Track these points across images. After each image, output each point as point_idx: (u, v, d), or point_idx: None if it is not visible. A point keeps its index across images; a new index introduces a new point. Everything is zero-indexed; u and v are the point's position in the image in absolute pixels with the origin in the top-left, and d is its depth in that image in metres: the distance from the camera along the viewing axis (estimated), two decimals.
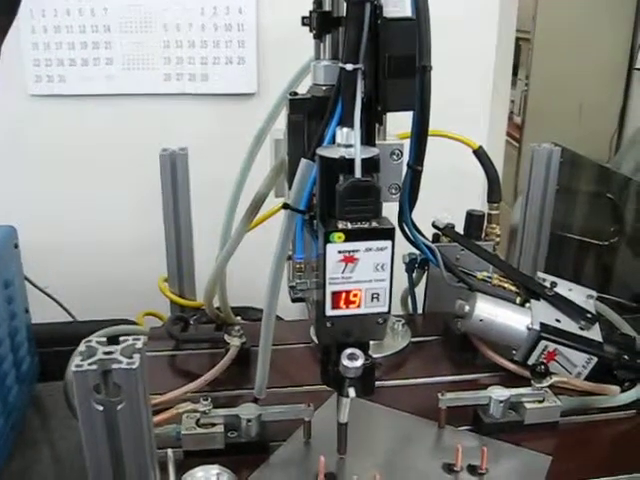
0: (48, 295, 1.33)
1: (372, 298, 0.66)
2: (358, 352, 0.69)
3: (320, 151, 0.66)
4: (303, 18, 0.74)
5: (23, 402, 1.04)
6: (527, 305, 0.96)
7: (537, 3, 2.98)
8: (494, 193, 1.09)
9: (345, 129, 0.65)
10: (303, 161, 0.68)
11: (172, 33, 1.37)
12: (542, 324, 0.92)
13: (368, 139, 0.70)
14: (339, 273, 0.64)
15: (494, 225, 1.10)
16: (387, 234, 0.64)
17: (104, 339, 0.52)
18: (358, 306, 0.66)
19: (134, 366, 0.49)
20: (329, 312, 0.66)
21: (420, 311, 1.16)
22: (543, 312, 0.95)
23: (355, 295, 0.66)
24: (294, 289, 0.79)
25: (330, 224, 0.64)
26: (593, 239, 1.63)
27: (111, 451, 0.52)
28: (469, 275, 0.99)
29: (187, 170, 1.05)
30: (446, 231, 1.04)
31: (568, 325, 0.94)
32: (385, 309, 0.67)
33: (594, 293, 1.00)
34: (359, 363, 0.69)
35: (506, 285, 0.99)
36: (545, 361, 0.92)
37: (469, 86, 1.45)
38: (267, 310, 0.77)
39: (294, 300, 0.82)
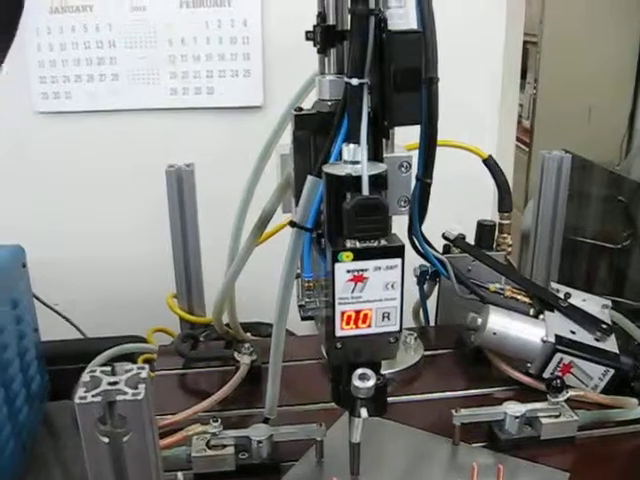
0: (58, 313, 1.33)
1: (383, 317, 0.65)
2: (369, 372, 0.68)
3: (326, 168, 0.65)
4: (307, 32, 0.73)
5: (34, 421, 1.04)
6: (541, 317, 0.95)
7: (544, 7, 2.97)
8: (505, 203, 1.08)
9: (352, 145, 0.64)
10: (309, 178, 0.67)
11: (177, 47, 1.37)
12: (557, 336, 0.91)
13: (375, 154, 0.69)
14: (348, 293, 0.63)
15: (505, 235, 1.09)
16: (396, 252, 0.63)
17: (108, 368, 0.51)
18: (369, 326, 0.65)
19: (139, 397, 0.48)
20: (339, 332, 0.65)
21: (432, 323, 1.15)
22: (558, 324, 0.93)
23: (365, 315, 0.65)
24: (303, 308, 0.79)
25: (338, 243, 0.62)
26: (606, 242, 1.62)
27: None
28: (481, 287, 0.98)
29: (194, 186, 1.05)
30: (457, 242, 1.03)
31: (583, 337, 0.93)
32: (396, 328, 0.66)
33: (609, 303, 0.98)
34: (371, 383, 0.68)
35: (519, 297, 0.97)
36: (561, 374, 0.90)
37: (477, 93, 1.44)
38: (276, 331, 0.76)
39: (303, 319, 0.81)
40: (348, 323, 0.65)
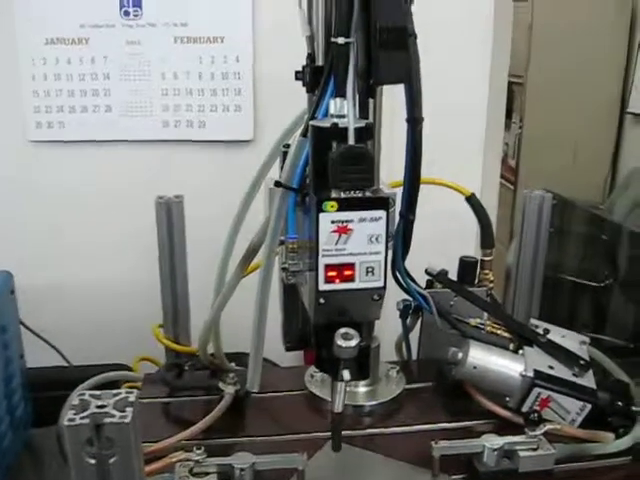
0: (44, 340, 1.33)
1: (367, 272, 0.65)
2: (352, 331, 0.67)
3: (313, 123, 0.66)
4: (296, 73, 0.76)
5: (17, 448, 1.04)
6: (520, 352, 0.96)
7: (530, 48, 3.04)
8: (487, 240, 1.10)
9: (338, 99, 0.65)
10: (297, 138, 0.68)
11: (170, 81, 1.40)
12: (536, 371, 0.92)
13: (361, 113, 0.69)
14: (332, 244, 0.63)
15: (487, 271, 1.11)
16: (381, 204, 0.64)
17: (98, 392, 0.52)
18: (352, 280, 0.65)
19: (126, 420, 0.50)
20: (322, 286, 0.64)
21: (415, 357, 1.16)
22: (536, 359, 0.95)
23: (349, 269, 0.64)
24: (287, 271, 0.76)
25: (323, 193, 0.63)
26: (588, 281, 1.65)
27: None
28: (462, 322, 1.00)
29: (183, 218, 1.06)
30: (439, 278, 1.05)
31: (561, 372, 0.94)
32: (381, 284, 0.66)
33: (587, 339, 1.00)
34: (354, 342, 0.67)
35: (499, 332, 0.99)
36: (539, 408, 0.92)
37: (462, 132, 1.47)
38: (260, 296, 0.76)
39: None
40: (331, 277, 0.64)
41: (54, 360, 1.36)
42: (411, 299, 1.02)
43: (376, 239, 0.64)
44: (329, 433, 0.78)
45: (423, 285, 1.02)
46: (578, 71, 2.99)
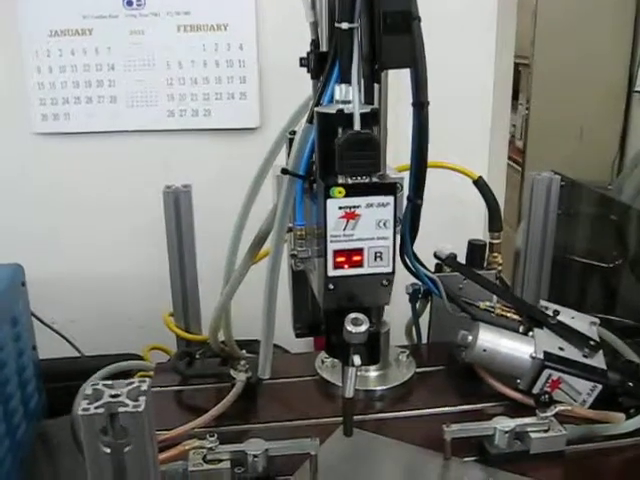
0: (55, 331, 1.34)
1: (375, 257, 0.65)
2: (362, 316, 0.68)
3: (318, 109, 0.66)
4: (301, 59, 0.75)
5: (31, 438, 1.05)
6: (530, 334, 0.96)
7: (535, 28, 3.02)
8: (495, 223, 1.10)
9: (343, 85, 0.65)
10: (303, 125, 0.68)
11: (175, 70, 1.40)
12: (546, 353, 0.93)
13: (367, 99, 0.69)
14: (340, 230, 0.64)
15: (496, 254, 1.11)
16: (388, 189, 0.64)
17: (111, 382, 0.53)
18: (361, 266, 0.65)
19: (140, 409, 0.50)
20: (331, 272, 0.65)
21: (425, 341, 1.17)
22: (546, 340, 0.95)
23: (357, 254, 0.64)
24: (296, 258, 0.76)
25: (330, 179, 0.63)
26: (597, 261, 1.64)
27: None
28: (472, 305, 1.00)
29: (191, 207, 1.06)
30: (448, 261, 1.05)
31: (572, 353, 0.94)
32: (389, 269, 0.66)
33: (597, 320, 1.00)
34: (363, 328, 0.67)
35: (509, 314, 0.99)
36: (549, 389, 0.92)
37: (468, 115, 1.47)
38: (269, 283, 0.76)
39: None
40: (340, 263, 0.64)
41: (66, 351, 1.37)
42: (420, 283, 1.02)
43: (384, 224, 0.64)
44: (340, 418, 0.78)
45: (432, 269, 1.02)
46: (584, 52, 2.96)
